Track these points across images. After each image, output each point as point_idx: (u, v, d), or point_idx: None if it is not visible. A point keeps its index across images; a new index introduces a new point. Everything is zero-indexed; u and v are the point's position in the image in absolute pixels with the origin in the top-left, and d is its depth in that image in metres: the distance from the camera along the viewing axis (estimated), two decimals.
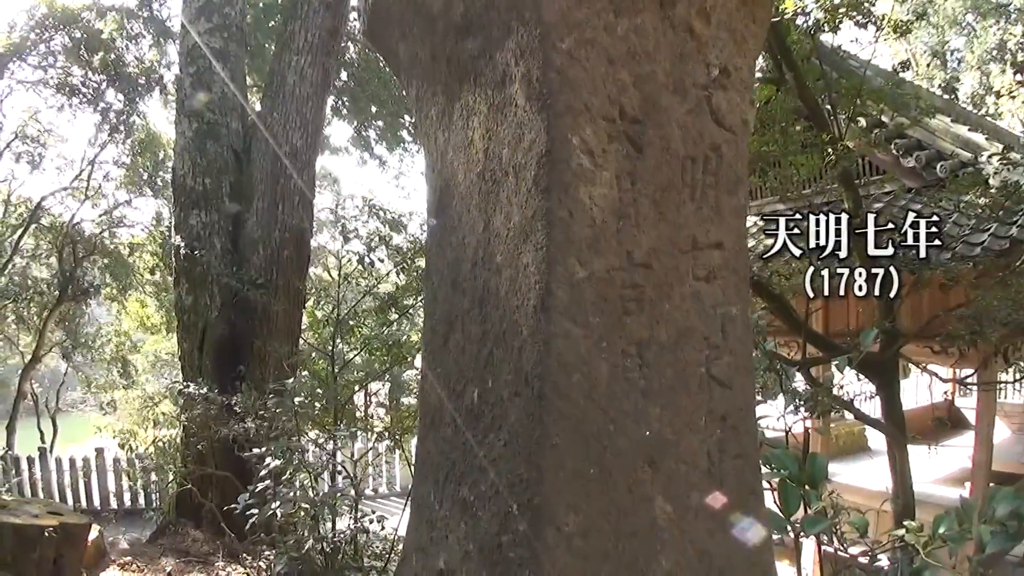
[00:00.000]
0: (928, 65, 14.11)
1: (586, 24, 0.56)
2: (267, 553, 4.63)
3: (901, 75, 4.57)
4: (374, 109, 9.11)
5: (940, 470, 6.79)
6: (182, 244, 5.65)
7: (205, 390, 4.90)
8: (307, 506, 3.68)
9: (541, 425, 0.55)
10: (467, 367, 0.66)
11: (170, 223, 8.66)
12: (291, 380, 4.96)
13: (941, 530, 1.59)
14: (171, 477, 6.74)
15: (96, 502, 7.44)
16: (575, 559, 0.55)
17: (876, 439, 9.39)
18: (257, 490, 4.18)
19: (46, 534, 3.36)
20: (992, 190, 4.98)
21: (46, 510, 3.67)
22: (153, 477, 7.63)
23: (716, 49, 0.65)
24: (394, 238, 6.54)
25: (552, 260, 0.55)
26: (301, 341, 6.78)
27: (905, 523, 1.93)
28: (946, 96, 6.44)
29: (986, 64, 13.40)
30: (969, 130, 6.65)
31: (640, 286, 0.60)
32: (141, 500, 7.85)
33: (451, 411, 0.70)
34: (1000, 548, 1.44)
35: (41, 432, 9.21)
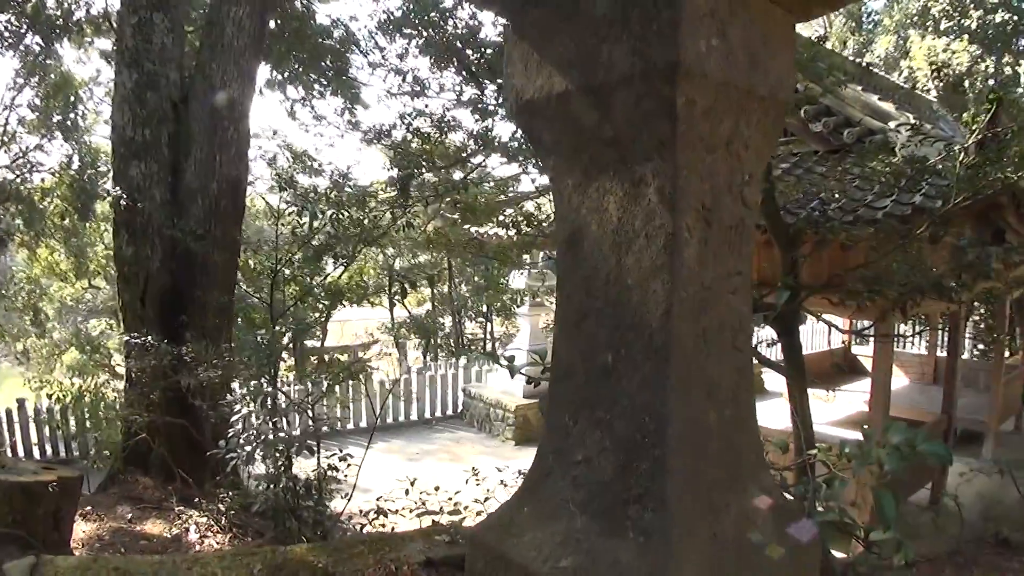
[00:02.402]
0: (843, 27, 15.12)
1: (696, 162, 1.08)
2: (223, 495, 5.06)
3: (819, 46, 5.21)
4: (293, 54, 9.17)
5: (837, 413, 7.90)
6: (123, 195, 5.76)
7: (151, 340, 5.18)
8: (282, 446, 4.15)
9: (665, 373, 1.09)
10: (600, 342, 1.19)
11: (80, 165, 8.55)
12: (263, 332, 5.32)
13: (847, 451, 2.31)
14: (107, 426, 6.94)
15: (21, 453, 7.53)
16: (683, 447, 1.10)
17: (773, 382, 10.56)
18: (230, 434, 4.60)
19: (50, 489, 3.61)
20: (897, 159, 5.83)
21: (40, 466, 3.91)
22: (74, 426, 7.74)
23: (749, 164, 1.18)
24: (320, 187, 6.85)
25: (673, 288, 1.08)
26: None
27: (817, 445, 2.67)
28: (857, 61, 7.22)
29: (904, 29, 14.39)
30: (880, 99, 7.55)
31: (707, 300, 1.15)
32: (63, 451, 7.96)
33: (583, 369, 1.23)
34: (895, 466, 2.15)
35: None
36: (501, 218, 8.83)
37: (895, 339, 9.02)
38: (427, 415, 15.29)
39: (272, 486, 4.44)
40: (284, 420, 4.43)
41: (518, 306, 20.06)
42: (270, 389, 4.30)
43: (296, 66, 8.82)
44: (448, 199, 8.02)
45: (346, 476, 4.84)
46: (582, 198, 1.21)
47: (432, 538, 3.43)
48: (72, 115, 8.57)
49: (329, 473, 4.35)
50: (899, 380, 10.73)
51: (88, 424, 7.09)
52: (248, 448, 4.14)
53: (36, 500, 3.68)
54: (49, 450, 7.92)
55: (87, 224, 9.25)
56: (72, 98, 8.59)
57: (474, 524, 1.38)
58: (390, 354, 19.94)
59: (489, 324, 25.09)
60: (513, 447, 13.37)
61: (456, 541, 3.50)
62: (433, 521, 4.90)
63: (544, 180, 8.63)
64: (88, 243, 9.55)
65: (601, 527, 1.15)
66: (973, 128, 4.53)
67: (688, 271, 1.09)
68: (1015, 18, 11.79)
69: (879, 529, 2.65)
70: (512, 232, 8.12)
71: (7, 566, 3.00)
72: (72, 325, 11.07)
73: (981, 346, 14.85)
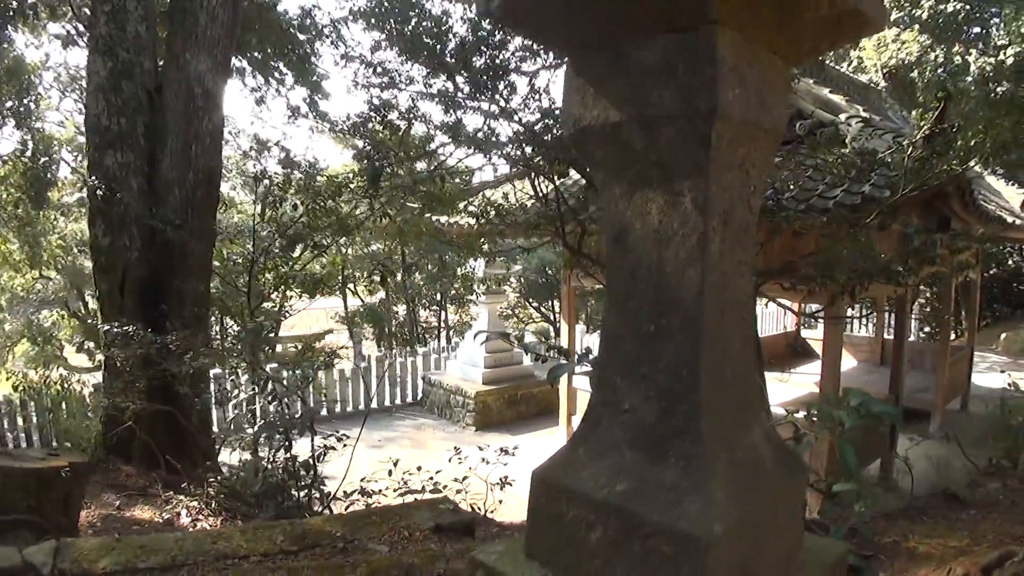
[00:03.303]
0: None
1: (721, 179, 1.47)
2: (211, 480, 5.33)
3: None
4: (254, 42, 9.33)
5: (789, 394, 8.51)
6: (100, 184, 5.92)
7: (132, 329, 5.40)
8: (284, 428, 4.48)
9: (698, 338, 1.49)
10: (644, 315, 1.58)
11: (32, 153, 8.55)
12: (260, 319, 5.56)
13: (814, 411, 2.76)
14: (79, 416, 7.08)
15: None
16: (711, 394, 1.50)
17: None
18: (229, 418, 4.89)
19: (63, 475, 3.84)
20: (847, 150, 6.36)
21: (46, 452, 4.12)
22: (35, 417, 7.84)
23: (754, 179, 1.59)
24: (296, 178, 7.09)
25: (703, 275, 1.47)
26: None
27: (786, 409, 3.14)
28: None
29: None
30: (830, 92, 8.12)
31: (725, 284, 1.55)
32: (24, 442, 8.03)
33: (630, 336, 1.62)
34: (853, 423, 2.61)
35: None
36: (467, 207, 9.15)
37: (844, 322, 9.66)
38: (387, 403, 15.54)
39: (268, 467, 4.75)
40: (283, 404, 4.73)
41: (475, 294, 20.36)
42: (270, 374, 4.60)
43: (258, 54, 8.99)
44: (411, 189, 8.29)
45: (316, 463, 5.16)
46: (628, 204, 1.59)
47: (437, 507, 3.82)
48: (25, 101, 8.56)
49: (326, 453, 4.68)
50: (848, 361, 11.46)
51: (60, 415, 7.21)
52: (251, 431, 4.44)
53: (49, 486, 3.91)
54: (11, 443, 7.98)
55: (40, 213, 9.24)
56: (25, 84, 8.58)
57: (536, 466, 1.77)
58: (345, 346, 20.07)
59: (444, 312, 25.35)
60: (474, 432, 13.81)
61: (459, 509, 3.90)
62: (415, 499, 5.30)
63: (504, 168, 9.00)
64: (42, 232, 9.52)
65: (648, 458, 1.54)
66: (921, 124, 5.06)
67: (713, 262, 1.49)
68: (967, 7, 12.49)
69: (841, 481, 3.16)
70: (476, 221, 8.47)
71: (28, 551, 3.20)
72: (23, 316, 11.00)
73: (927, 328, 15.87)
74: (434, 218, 9.52)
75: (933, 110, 4.93)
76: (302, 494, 4.67)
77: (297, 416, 4.59)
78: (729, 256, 1.56)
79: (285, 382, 4.75)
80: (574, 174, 7.40)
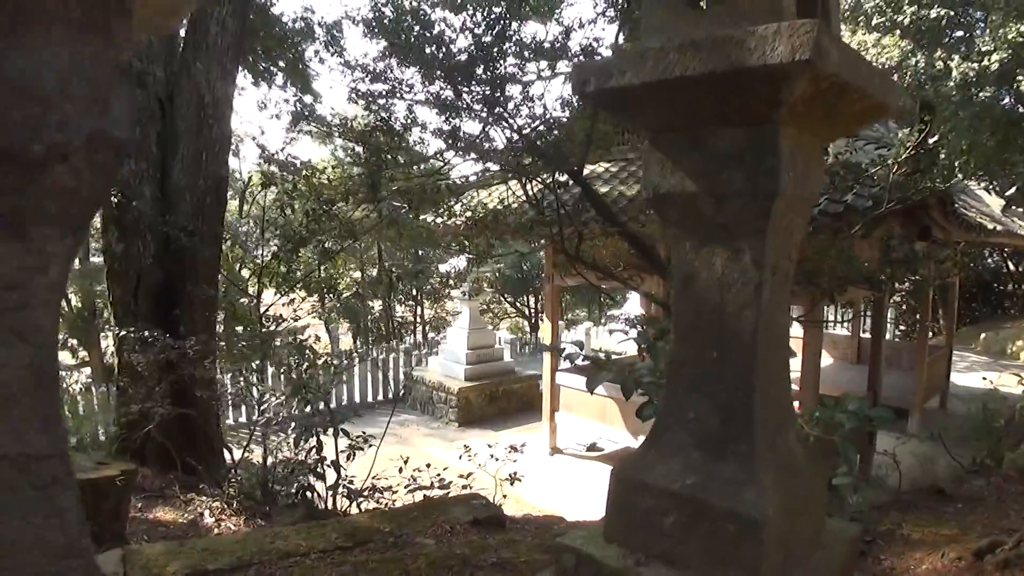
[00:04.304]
0: None
1: (774, 239, 1.95)
2: (232, 480, 5.71)
3: None
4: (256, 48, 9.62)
5: None
6: (113, 192, 6.24)
7: (151, 335, 5.75)
8: (317, 428, 4.87)
9: (752, 364, 1.96)
10: (708, 345, 2.04)
11: None
12: (283, 326, 5.95)
13: (816, 415, 3.26)
14: (88, 419, 7.39)
15: None
16: (761, 408, 1.98)
17: None
18: (261, 421, 5.29)
19: (117, 483, 4.11)
20: (831, 160, 6.89)
21: (95, 461, 4.44)
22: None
23: (795, 237, 2.07)
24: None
25: (758, 316, 1.95)
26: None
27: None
28: None
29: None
30: None
31: (772, 320, 2.02)
32: None
33: (694, 362, 2.08)
34: (853, 425, 3.10)
35: None
36: (453, 208, 9.56)
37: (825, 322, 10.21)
38: (369, 399, 15.89)
39: (296, 467, 5.15)
40: (310, 406, 5.13)
41: (450, 290, 20.72)
42: (305, 378, 4.99)
43: (262, 63, 9.29)
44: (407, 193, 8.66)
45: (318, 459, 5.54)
46: (695, 255, 2.06)
47: (471, 503, 4.26)
48: None
49: (353, 454, 5.09)
50: (824, 359, 12.09)
51: (74, 418, 7.49)
52: (282, 433, 4.83)
53: (104, 495, 4.16)
54: None
55: None
56: None
57: (615, 465, 2.23)
58: (319, 339, 20.32)
59: (420, 308, 25.69)
60: (457, 428, 14.28)
61: (491, 504, 4.36)
62: (425, 496, 5.75)
63: (494, 167, 9.41)
64: None
65: (711, 457, 2.02)
66: (907, 144, 5.61)
67: (765, 304, 1.96)
68: (950, 13, 13.06)
69: (840, 475, 3.70)
70: (476, 224, 8.90)
71: (98, 558, 3.54)
72: None
73: (903, 327, 16.67)
74: (428, 219, 9.94)
75: (919, 130, 5.46)
76: (328, 493, 5.07)
77: (327, 416, 4.98)
78: (775, 298, 2.03)
79: (320, 382, 5.14)
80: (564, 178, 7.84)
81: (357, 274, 22.49)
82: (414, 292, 24.17)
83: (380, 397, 15.64)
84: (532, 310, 29.13)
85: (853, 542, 2.29)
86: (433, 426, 14.10)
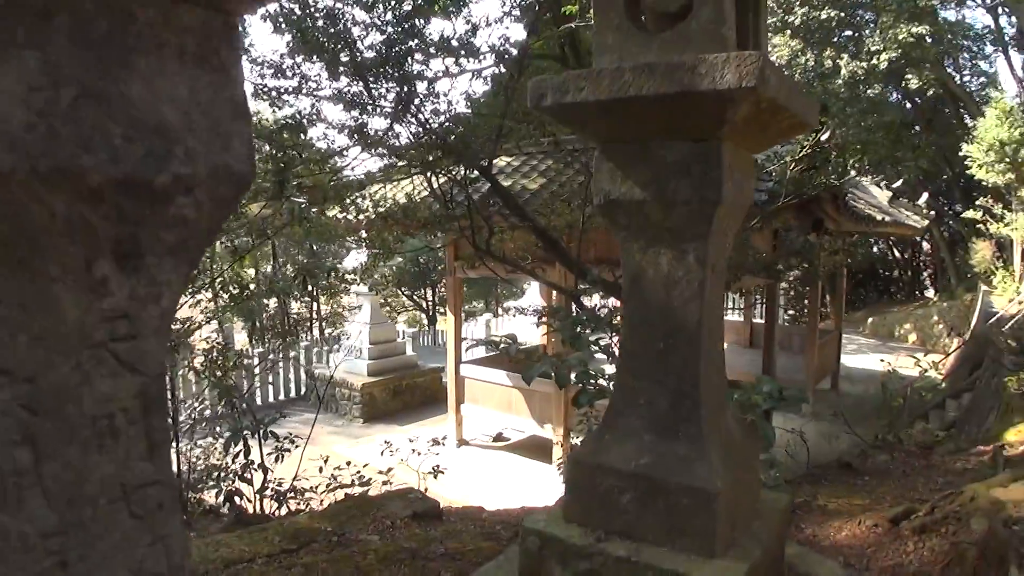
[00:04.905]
0: None
1: (715, 242, 2.21)
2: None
3: None
4: None
5: None
6: None
7: None
8: (246, 432, 4.86)
9: (698, 353, 2.21)
10: (656, 336, 2.29)
11: None
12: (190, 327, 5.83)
13: (736, 397, 3.59)
14: None
15: None
16: (706, 392, 2.24)
17: None
18: (184, 428, 5.22)
19: None
20: None
21: None
22: None
23: (729, 239, 2.35)
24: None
25: (702, 309, 2.20)
26: None
27: None
28: None
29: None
30: None
31: (712, 313, 2.29)
32: None
33: (643, 352, 2.32)
34: (769, 405, 3.45)
35: None
36: (363, 203, 9.58)
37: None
38: (271, 399, 15.60)
39: (223, 473, 5.13)
40: (236, 409, 5.11)
41: (354, 284, 20.51)
42: (229, 381, 4.97)
43: None
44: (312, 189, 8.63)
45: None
46: (643, 256, 2.30)
47: (407, 497, 4.41)
48: None
49: (281, 456, 5.12)
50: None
51: None
52: (211, 439, 4.81)
53: None
54: None
55: None
56: None
57: (574, 449, 2.45)
58: (220, 342, 19.70)
59: (316, 304, 25.29)
60: (362, 425, 14.28)
61: (427, 498, 4.52)
62: (346, 495, 5.86)
63: (401, 162, 9.48)
64: None
65: (663, 438, 2.27)
66: (803, 144, 6.10)
67: (708, 299, 2.23)
68: (840, 14, 13.94)
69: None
70: (385, 220, 8.96)
71: None
72: None
73: (791, 312, 17.81)
74: (334, 215, 9.91)
75: (815, 129, 5.97)
76: (256, 497, 5.09)
77: (254, 421, 4.99)
78: (714, 293, 2.30)
79: (246, 385, 5.11)
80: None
81: (251, 271, 21.89)
82: (310, 288, 23.74)
83: (281, 396, 15.40)
84: (430, 303, 29.21)
85: (785, 511, 2.61)
86: (337, 424, 14.01)
